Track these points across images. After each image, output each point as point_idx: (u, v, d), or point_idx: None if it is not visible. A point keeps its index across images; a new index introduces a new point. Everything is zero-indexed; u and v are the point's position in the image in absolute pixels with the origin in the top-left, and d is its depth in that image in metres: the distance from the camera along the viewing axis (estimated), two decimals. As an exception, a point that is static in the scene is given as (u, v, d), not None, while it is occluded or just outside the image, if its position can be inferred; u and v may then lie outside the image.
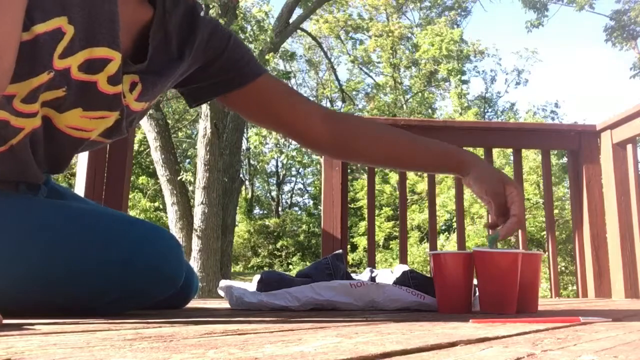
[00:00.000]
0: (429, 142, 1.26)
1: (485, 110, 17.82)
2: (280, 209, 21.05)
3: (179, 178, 8.21)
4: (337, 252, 1.44)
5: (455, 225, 6.40)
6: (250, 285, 1.33)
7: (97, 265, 0.94)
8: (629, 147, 2.36)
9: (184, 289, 1.22)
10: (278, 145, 11.58)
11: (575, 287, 3.02)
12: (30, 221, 0.95)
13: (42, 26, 0.81)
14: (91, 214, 1.02)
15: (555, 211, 6.02)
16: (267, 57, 7.99)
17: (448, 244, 12.28)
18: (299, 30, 12.36)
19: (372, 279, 1.36)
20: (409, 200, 12.72)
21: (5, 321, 0.70)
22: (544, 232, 8.80)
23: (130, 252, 0.94)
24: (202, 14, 1.09)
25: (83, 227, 0.96)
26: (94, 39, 0.88)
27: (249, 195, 19.98)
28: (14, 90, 0.85)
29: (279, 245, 18.26)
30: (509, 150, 4.24)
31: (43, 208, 0.99)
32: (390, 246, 13.89)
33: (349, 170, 2.52)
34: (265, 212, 21.22)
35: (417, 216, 13.04)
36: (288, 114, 1.18)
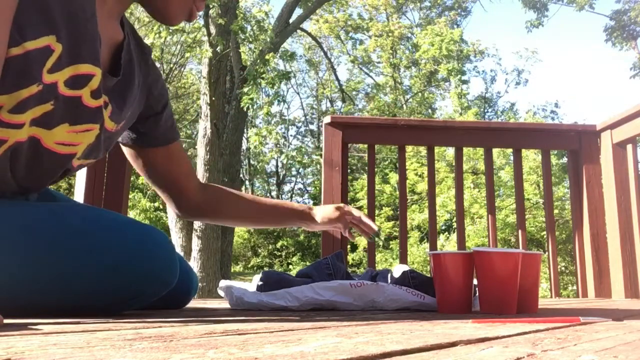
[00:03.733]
0: (277, 204, 1.55)
1: (485, 110, 17.81)
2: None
3: (179, 178, 8.19)
4: (337, 252, 1.44)
5: (455, 225, 6.40)
6: (250, 285, 1.33)
7: (86, 270, 0.93)
8: (629, 147, 2.36)
9: (183, 289, 1.22)
10: (278, 145, 11.58)
11: (575, 287, 3.02)
12: (18, 226, 0.94)
13: (33, 43, 0.87)
14: (79, 218, 1.01)
15: (555, 211, 6.02)
16: (267, 57, 7.99)
17: (448, 244, 12.27)
18: (299, 30, 12.35)
19: (372, 278, 1.36)
20: (409, 200, 12.72)
21: (5, 321, 0.70)
22: (544, 232, 8.80)
23: (120, 257, 0.94)
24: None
25: (71, 232, 0.96)
26: (79, 57, 0.94)
27: (249, 195, 19.93)
28: (1, 101, 0.88)
29: (279, 245, 18.25)
30: (509, 150, 4.24)
31: (31, 212, 0.99)
32: (390, 246, 13.89)
33: (349, 170, 2.52)
34: (265, 212, 21.15)
35: (417, 216, 13.03)
36: (182, 180, 1.30)
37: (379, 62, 19.36)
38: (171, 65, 13.21)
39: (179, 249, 7.94)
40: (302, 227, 1.51)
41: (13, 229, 0.94)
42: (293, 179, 21.79)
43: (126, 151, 1.25)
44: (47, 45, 0.88)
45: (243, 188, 17.16)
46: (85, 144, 1.03)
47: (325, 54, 17.26)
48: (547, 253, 2.48)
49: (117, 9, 1.05)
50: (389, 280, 1.32)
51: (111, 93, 1.05)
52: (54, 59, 0.90)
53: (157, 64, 9.98)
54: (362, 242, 14.12)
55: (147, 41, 7.66)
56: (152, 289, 0.99)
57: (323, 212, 1.47)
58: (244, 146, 13.04)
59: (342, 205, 1.51)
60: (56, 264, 0.93)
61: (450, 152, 11.95)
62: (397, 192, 7.47)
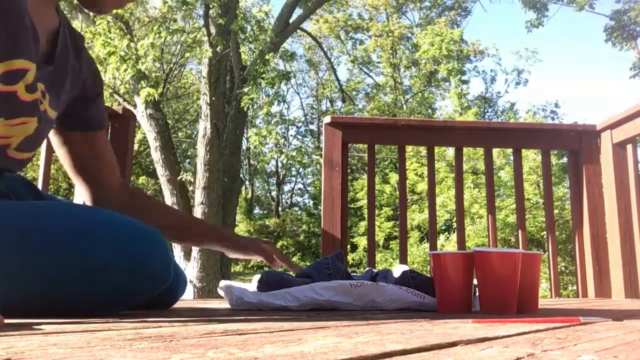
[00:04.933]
0: (201, 223, 1.58)
1: (485, 110, 17.80)
2: (280, 209, 21.03)
3: (179, 178, 8.20)
4: (337, 252, 1.44)
5: (455, 225, 6.40)
6: (250, 285, 1.33)
7: (78, 270, 0.93)
8: (629, 147, 2.36)
9: (170, 287, 1.21)
10: (278, 145, 11.58)
11: (575, 287, 3.02)
12: (7, 226, 0.94)
13: None
14: (69, 217, 1.00)
15: (555, 211, 6.02)
16: (267, 57, 7.99)
17: (448, 244, 12.27)
18: (299, 30, 12.34)
19: (372, 278, 1.36)
20: (409, 200, 12.71)
21: (5, 321, 0.70)
22: (544, 232, 8.80)
23: (112, 256, 0.94)
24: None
25: (61, 231, 0.95)
26: (12, 53, 0.94)
27: (249, 195, 19.96)
28: None
29: (279, 245, 18.22)
30: (509, 150, 4.24)
31: (21, 212, 0.98)
32: (390, 246, 13.88)
33: (349, 170, 2.52)
34: (265, 212, 21.20)
35: (417, 216, 13.02)
36: (103, 175, 1.28)
37: (379, 62, 19.36)
38: (171, 65, 13.20)
39: (178, 249, 7.94)
40: (222, 250, 1.47)
41: (2, 230, 0.93)
42: (293, 179, 21.80)
43: (52, 138, 1.24)
44: None
45: (243, 188, 17.16)
46: (20, 136, 1.03)
47: (325, 54, 17.26)
48: (547, 253, 2.48)
49: None
50: (389, 280, 1.32)
51: (47, 81, 1.05)
52: None
53: (157, 64, 9.93)
54: (362, 242, 14.11)
55: (147, 41, 7.67)
56: (146, 287, 0.99)
57: (245, 241, 1.47)
58: (244, 146, 13.04)
59: (261, 241, 1.50)
60: (47, 263, 0.92)
61: (450, 152, 11.94)
62: (397, 192, 7.47)
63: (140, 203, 1.36)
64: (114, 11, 7.08)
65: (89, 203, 1.33)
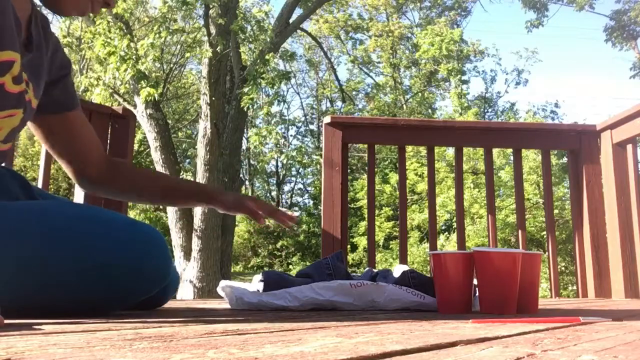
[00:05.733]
0: (185, 182, 1.56)
1: (485, 110, 17.80)
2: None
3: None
4: (337, 252, 1.44)
5: (455, 225, 6.40)
6: (250, 285, 1.33)
7: (75, 270, 0.93)
8: (629, 147, 2.36)
9: (164, 287, 1.20)
10: (278, 145, 11.58)
11: (575, 287, 3.02)
12: (4, 225, 0.93)
13: None
14: (67, 216, 1.00)
15: (555, 211, 6.02)
16: (267, 57, 7.99)
17: (448, 244, 12.27)
18: (299, 30, 12.34)
19: (372, 278, 1.36)
20: (409, 200, 12.71)
21: (5, 321, 0.70)
22: (544, 232, 8.80)
23: (111, 256, 0.93)
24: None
25: (58, 230, 0.95)
26: (0, 45, 0.93)
27: (249, 195, 19.91)
28: None
29: (279, 245, 18.24)
30: (509, 150, 4.24)
31: (18, 211, 0.98)
32: (390, 246, 13.88)
33: (349, 170, 2.52)
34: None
35: (417, 216, 13.02)
36: (84, 151, 1.28)
37: (379, 62, 19.35)
38: (171, 65, 13.20)
39: (178, 249, 7.94)
40: (208, 206, 1.41)
41: (0, 229, 0.93)
42: (293, 179, 21.78)
43: (29, 123, 1.23)
44: None
45: (243, 188, 17.16)
46: (7, 128, 1.03)
47: (325, 54, 17.26)
48: (547, 253, 2.48)
49: None
50: (389, 280, 1.32)
51: (29, 68, 1.05)
52: None
53: (157, 64, 9.93)
54: (362, 242, 14.12)
55: (147, 41, 7.67)
56: (144, 286, 0.99)
57: (226, 200, 1.39)
58: (244, 146, 13.04)
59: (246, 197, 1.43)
60: (46, 262, 0.92)
61: (450, 152, 11.94)
62: (397, 192, 7.47)
63: (124, 174, 1.36)
64: (114, 11, 7.08)
65: (74, 181, 1.32)
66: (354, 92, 19.87)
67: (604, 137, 2.46)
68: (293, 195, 21.65)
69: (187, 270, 7.63)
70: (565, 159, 10.53)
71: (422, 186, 12.96)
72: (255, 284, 1.32)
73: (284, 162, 17.81)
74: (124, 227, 0.98)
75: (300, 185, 21.82)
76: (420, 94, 18.60)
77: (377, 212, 12.94)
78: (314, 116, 21.08)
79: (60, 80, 1.20)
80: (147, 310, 1.15)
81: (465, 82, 16.77)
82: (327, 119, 2.44)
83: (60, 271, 0.93)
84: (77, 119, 1.25)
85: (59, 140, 1.24)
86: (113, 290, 0.95)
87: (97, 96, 7.91)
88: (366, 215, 3.00)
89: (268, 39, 8.22)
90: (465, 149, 2.67)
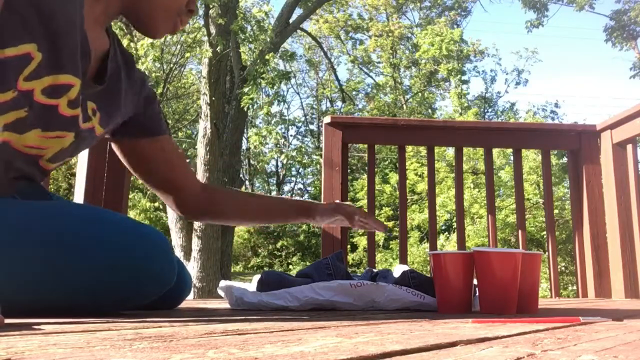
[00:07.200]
0: (282, 201, 1.69)
1: (485, 110, 17.79)
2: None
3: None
4: (337, 252, 1.44)
5: (455, 225, 6.40)
6: (250, 285, 1.33)
7: (82, 270, 0.93)
8: (629, 147, 2.36)
9: (176, 287, 1.21)
10: (278, 145, 11.59)
11: (575, 287, 3.02)
12: (12, 225, 0.94)
13: (13, 50, 0.89)
14: (75, 217, 1.00)
15: (555, 211, 6.02)
16: (267, 57, 7.98)
17: (448, 244, 12.27)
18: (299, 30, 12.34)
19: (372, 278, 1.36)
20: (409, 200, 12.71)
21: (5, 321, 0.70)
22: (544, 232, 8.79)
23: (114, 257, 0.94)
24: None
25: (66, 231, 0.95)
26: (60, 67, 0.95)
27: (249, 196, 19.92)
28: None
29: (279, 245, 18.24)
30: (509, 150, 4.24)
31: (26, 211, 0.98)
32: (390, 246, 13.88)
33: (349, 170, 2.52)
34: (265, 212, 21.12)
35: (417, 216, 13.02)
36: (178, 179, 1.31)
37: (379, 62, 19.36)
38: (171, 65, 13.19)
39: (178, 249, 7.94)
40: (307, 222, 1.47)
41: (7, 229, 0.93)
42: (293, 179, 21.78)
43: (119, 150, 1.26)
44: (27, 53, 0.90)
45: (243, 188, 17.16)
46: (55, 148, 1.05)
47: (325, 54, 17.26)
48: (547, 253, 2.48)
49: (103, 18, 1.07)
50: (389, 280, 1.32)
51: (98, 100, 1.07)
52: (33, 67, 0.92)
53: (157, 64, 9.95)
54: (362, 242, 14.13)
55: (147, 41, 7.67)
56: (149, 288, 0.99)
57: (327, 211, 1.43)
58: (244, 146, 13.04)
59: (341, 204, 1.47)
60: (51, 263, 0.92)
61: (450, 152, 11.94)
62: (397, 192, 7.47)
63: (219, 201, 1.39)
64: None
65: (172, 209, 1.36)
66: (354, 92, 19.87)
67: (604, 137, 2.46)
68: (293, 195, 21.65)
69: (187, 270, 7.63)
70: (565, 159, 10.53)
71: (422, 186, 12.97)
72: (255, 284, 1.32)
73: (284, 162, 17.83)
74: (130, 230, 0.98)
75: (300, 185, 21.83)
76: (420, 94, 18.60)
77: (377, 212, 12.94)
78: (314, 116, 21.09)
79: (147, 109, 1.23)
80: (153, 311, 1.15)
81: (465, 82, 16.77)
82: (327, 119, 2.44)
83: (66, 272, 0.93)
84: (167, 144, 1.28)
85: (154, 167, 1.27)
86: (119, 292, 0.96)
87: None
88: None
89: (268, 39, 8.22)
90: (465, 149, 2.67)
